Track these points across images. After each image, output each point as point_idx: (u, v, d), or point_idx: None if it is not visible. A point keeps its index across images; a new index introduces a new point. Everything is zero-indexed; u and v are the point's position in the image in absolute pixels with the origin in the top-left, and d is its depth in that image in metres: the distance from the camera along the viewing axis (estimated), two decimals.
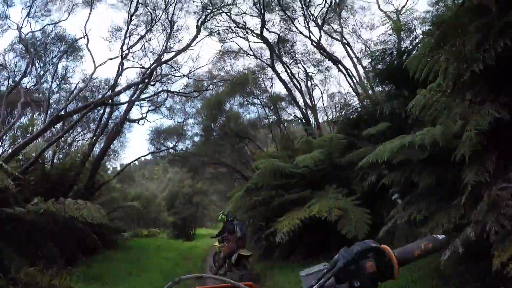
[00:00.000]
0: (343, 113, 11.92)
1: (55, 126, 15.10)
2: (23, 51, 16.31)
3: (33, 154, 10.92)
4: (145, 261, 12.28)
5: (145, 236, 24.05)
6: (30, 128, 12.53)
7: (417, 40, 10.41)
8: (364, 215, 8.10)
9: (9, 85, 15.95)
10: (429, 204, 5.53)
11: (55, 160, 14.61)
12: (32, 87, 17.79)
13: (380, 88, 11.81)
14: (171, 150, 26.48)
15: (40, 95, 17.37)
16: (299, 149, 12.01)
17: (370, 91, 12.07)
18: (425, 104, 5.60)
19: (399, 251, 1.08)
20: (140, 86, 17.27)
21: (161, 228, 33.05)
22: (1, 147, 14.29)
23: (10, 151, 11.52)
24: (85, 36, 15.57)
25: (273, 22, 18.92)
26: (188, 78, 20.09)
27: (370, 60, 11.04)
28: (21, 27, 15.21)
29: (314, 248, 10.14)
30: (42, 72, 17.63)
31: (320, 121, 18.48)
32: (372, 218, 8.06)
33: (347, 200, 8.78)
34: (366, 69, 13.78)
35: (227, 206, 14.56)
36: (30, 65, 15.10)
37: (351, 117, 11.69)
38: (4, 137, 12.25)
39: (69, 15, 16.63)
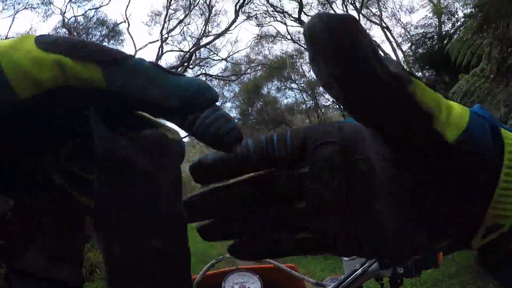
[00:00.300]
0: None
1: None
2: (67, 35, 16.70)
3: None
4: None
5: None
6: None
7: (458, 23, 9.92)
8: None
9: None
10: None
11: None
12: None
13: (420, 74, 11.43)
14: None
15: None
16: None
17: None
18: (467, 90, 5.33)
19: None
20: (179, 69, 17.40)
21: None
22: None
23: None
24: (126, 21, 15.80)
25: (310, 6, 18.54)
26: (227, 62, 20.10)
27: (410, 44, 10.67)
28: (64, 12, 15.61)
29: None
30: None
31: None
32: None
33: None
34: (406, 53, 13.35)
35: None
36: None
37: None
38: None
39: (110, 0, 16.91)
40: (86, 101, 0.25)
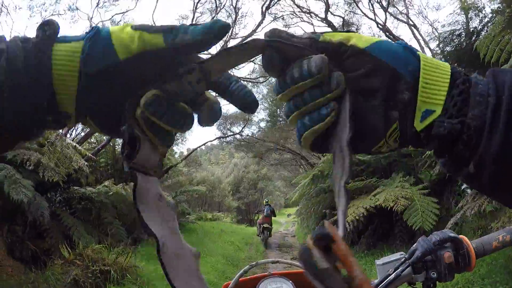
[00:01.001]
0: None
1: None
2: None
3: (104, 138, 11.37)
4: (208, 244, 12.48)
5: (209, 219, 24.54)
6: None
7: (486, 19, 9.62)
8: (431, 204, 7.63)
9: None
10: None
11: None
12: None
13: None
14: (237, 136, 26.82)
15: None
16: None
17: None
18: None
19: (477, 242, 1.05)
20: None
21: (225, 212, 33.64)
22: (75, 130, 15.11)
23: (83, 134, 12.09)
24: (153, 24, 15.91)
25: (337, 6, 18.45)
26: (254, 63, 20.08)
27: (437, 42, 10.39)
28: (91, 17, 15.94)
29: (378, 238, 9.87)
30: None
31: None
32: (439, 209, 7.61)
33: (414, 189, 8.33)
34: (434, 51, 13.06)
35: (291, 193, 14.48)
36: None
37: None
38: None
39: (136, 4, 17.14)
40: (157, 60, 0.45)
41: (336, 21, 18.49)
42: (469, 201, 5.67)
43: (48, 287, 5.07)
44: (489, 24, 8.67)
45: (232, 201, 35.69)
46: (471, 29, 9.67)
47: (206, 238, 13.98)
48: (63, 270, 5.66)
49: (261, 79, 22.05)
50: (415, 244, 1.03)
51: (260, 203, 39.46)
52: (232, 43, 17.28)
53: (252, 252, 13.70)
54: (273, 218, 16.61)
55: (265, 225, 15.22)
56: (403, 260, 1.01)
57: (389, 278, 0.99)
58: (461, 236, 1.03)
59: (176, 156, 24.19)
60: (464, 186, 7.84)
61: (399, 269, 0.99)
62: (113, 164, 13.00)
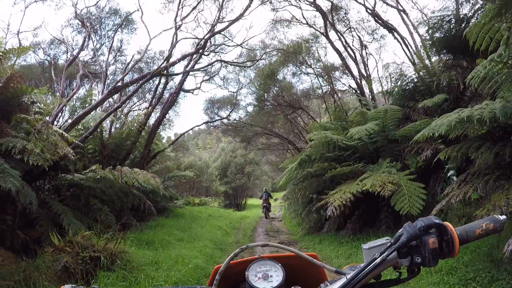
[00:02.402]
0: (398, 83, 11.38)
1: (113, 97, 15.58)
2: (79, 26, 16.83)
3: (91, 124, 11.31)
4: (196, 229, 12.59)
5: (197, 204, 24.65)
6: (89, 99, 12.92)
7: (477, 6, 9.67)
8: (418, 189, 7.78)
9: (67, 59, 16.59)
10: (486, 183, 5.23)
11: (112, 130, 15.16)
12: (90, 60, 18.46)
13: (437, 58, 11.18)
14: (225, 120, 26.82)
15: (97, 67, 17.97)
16: (353, 121, 11.70)
17: (427, 61, 11.44)
18: (485, 76, 5.19)
19: (461, 229, 1.07)
20: (194, 56, 17.36)
21: (213, 197, 33.78)
22: (62, 118, 14.98)
23: (70, 121, 12.01)
24: (139, 9, 15.75)
25: None
26: (242, 47, 19.95)
27: (427, 28, 10.41)
28: (76, 3, 15.72)
29: (364, 223, 10.04)
30: (98, 46, 18.24)
31: (375, 91, 17.87)
32: (425, 194, 7.76)
33: (401, 175, 8.49)
34: (423, 37, 13.10)
35: (278, 178, 14.58)
36: (86, 39, 15.56)
37: (407, 88, 11.15)
38: (64, 108, 12.75)
39: None
40: None
41: (325, 5, 18.50)
42: (454, 188, 5.76)
43: (39, 275, 5.11)
44: (480, 12, 8.69)
45: (219, 186, 35.81)
46: (461, 16, 9.68)
47: (194, 223, 14.09)
48: (53, 258, 5.70)
49: (248, 63, 21.95)
50: (401, 229, 1.05)
51: (247, 187, 39.72)
52: (219, 27, 17.15)
53: (240, 237, 13.85)
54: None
55: (265, 205, 23.89)
56: (389, 244, 1.02)
57: (375, 262, 1.01)
58: (445, 222, 1.05)
59: (164, 141, 24.16)
60: (450, 173, 8.02)
61: (385, 254, 1.01)
62: (101, 151, 12.98)
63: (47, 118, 9.38)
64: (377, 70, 34.76)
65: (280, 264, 1.18)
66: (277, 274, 1.16)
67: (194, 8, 17.19)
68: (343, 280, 1.04)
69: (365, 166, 9.78)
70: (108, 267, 6.20)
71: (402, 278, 1.08)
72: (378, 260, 1.01)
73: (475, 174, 5.74)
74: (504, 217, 1.07)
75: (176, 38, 15.32)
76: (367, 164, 10.00)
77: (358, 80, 18.16)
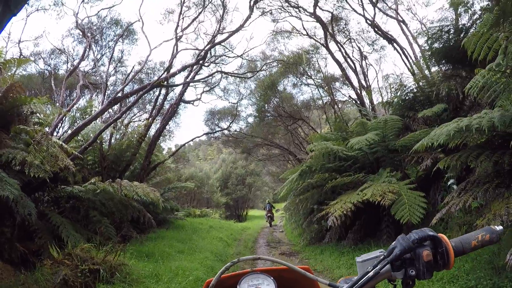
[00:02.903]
0: (398, 94, 11.41)
1: (113, 108, 15.60)
2: (80, 36, 16.91)
3: (91, 135, 11.30)
4: (196, 241, 12.50)
5: (198, 216, 24.54)
6: (89, 109, 12.93)
7: (475, 16, 9.70)
8: (419, 198, 7.75)
9: (68, 69, 16.65)
10: (486, 191, 5.21)
11: (112, 141, 15.12)
12: (90, 70, 18.54)
13: (437, 68, 11.22)
14: (225, 131, 26.82)
15: (98, 77, 18.04)
16: (353, 131, 11.69)
17: (426, 71, 11.48)
18: (483, 85, 5.19)
19: (456, 241, 1.06)
20: (194, 67, 17.42)
21: (214, 208, 33.67)
22: (61, 128, 14.98)
23: (69, 132, 11.99)
24: (140, 19, 15.84)
25: (326, 0, 18.42)
26: (242, 58, 20.06)
27: (426, 38, 10.44)
28: (77, 12, 15.79)
29: (365, 233, 9.98)
30: (99, 56, 18.33)
31: (375, 102, 17.90)
32: (426, 203, 7.72)
33: (401, 184, 8.45)
34: (422, 48, 13.13)
35: (279, 188, 14.53)
36: (87, 49, 15.62)
37: (406, 98, 11.18)
38: (64, 118, 12.76)
39: None
40: None
41: (325, 16, 18.56)
42: (454, 197, 5.75)
43: None
44: (478, 22, 8.71)
45: (220, 197, 35.71)
46: (460, 26, 9.72)
47: (195, 235, 13.99)
48: (52, 271, 5.64)
49: (248, 74, 22.01)
50: (394, 242, 1.03)
51: (248, 198, 39.69)
52: (219, 38, 17.23)
53: (241, 248, 13.75)
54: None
55: (269, 215, 26.11)
56: (382, 257, 1.01)
57: (368, 275, 1.00)
58: (440, 234, 1.04)
59: (164, 152, 24.12)
60: (450, 182, 7.98)
61: (378, 267, 1.00)
62: (100, 162, 12.94)
63: (47, 129, 9.36)
64: (377, 81, 34.96)
65: (272, 278, 1.17)
66: None
67: (194, 19, 17.32)
68: None
69: (366, 176, 9.74)
70: (108, 280, 6.14)
71: None
72: (371, 273, 1.00)
73: (474, 183, 5.74)
74: (500, 227, 1.06)
75: (177, 49, 15.40)
76: (368, 174, 9.97)
77: (358, 90, 18.21)
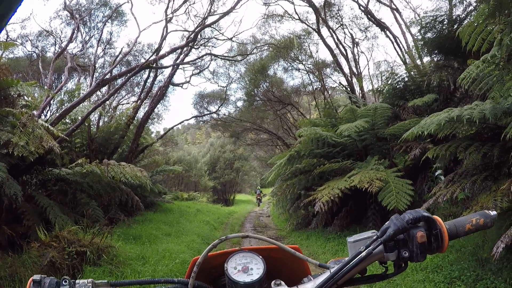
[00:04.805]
0: (389, 82, 11.45)
1: (101, 90, 15.44)
2: (68, 18, 16.63)
3: (79, 117, 11.19)
4: (183, 224, 12.56)
5: (185, 199, 24.59)
6: (77, 92, 12.75)
7: (470, 7, 9.70)
8: (406, 186, 7.85)
9: (55, 51, 16.39)
10: (473, 183, 5.28)
11: (100, 123, 15.01)
12: (78, 52, 18.25)
13: (429, 58, 11.25)
14: (214, 115, 26.73)
15: (86, 60, 17.78)
16: (343, 118, 11.73)
17: (418, 61, 11.51)
18: (476, 77, 5.21)
19: (450, 223, 1.02)
20: (184, 49, 17.25)
21: (201, 192, 33.75)
22: (49, 111, 14.80)
23: (57, 114, 11.86)
24: (129, 1, 15.58)
25: None
26: (232, 41, 19.87)
27: (419, 27, 10.44)
28: None
29: (351, 220, 10.10)
30: (87, 38, 18.04)
31: (365, 89, 17.94)
32: (413, 191, 7.83)
33: (389, 172, 8.56)
34: (415, 37, 13.16)
35: (267, 173, 14.60)
36: (75, 31, 15.36)
37: (397, 87, 11.24)
38: (51, 101, 12.61)
39: None
40: None
41: (318, 1, 18.41)
42: (442, 187, 5.80)
43: (25, 271, 5.06)
44: (473, 13, 8.70)
45: (208, 181, 35.77)
46: (454, 17, 9.70)
47: (182, 218, 14.06)
48: (39, 253, 5.65)
49: (238, 57, 21.85)
50: (388, 222, 0.99)
51: (236, 182, 39.88)
52: (210, 20, 17.05)
53: (227, 231, 13.87)
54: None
55: (258, 198, 34.06)
56: (375, 237, 0.97)
57: (360, 255, 0.95)
58: (434, 216, 0.99)
59: (153, 135, 24.02)
60: (438, 172, 8.09)
61: (371, 247, 0.95)
62: (88, 144, 12.87)
63: (34, 111, 9.26)
64: (368, 69, 35.12)
65: (261, 257, 1.12)
66: (257, 267, 1.10)
67: (185, 0, 17.08)
68: (326, 274, 1.00)
69: (354, 163, 9.84)
70: (95, 262, 6.17)
71: (389, 273, 1.02)
72: (363, 253, 0.95)
73: (462, 174, 5.77)
74: (494, 212, 1.03)
75: (167, 31, 15.22)
76: (356, 161, 10.07)
77: (349, 77, 18.20)
